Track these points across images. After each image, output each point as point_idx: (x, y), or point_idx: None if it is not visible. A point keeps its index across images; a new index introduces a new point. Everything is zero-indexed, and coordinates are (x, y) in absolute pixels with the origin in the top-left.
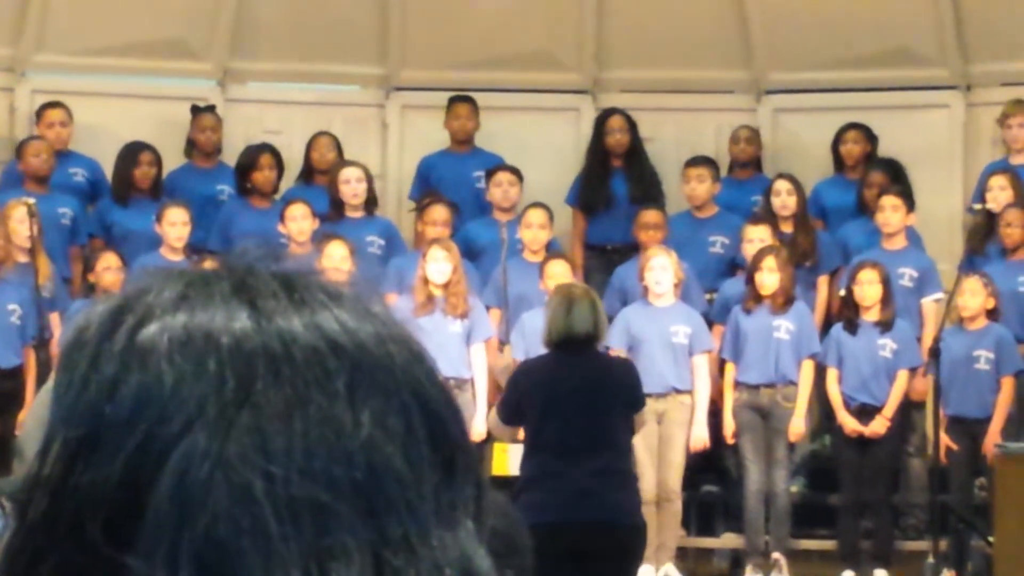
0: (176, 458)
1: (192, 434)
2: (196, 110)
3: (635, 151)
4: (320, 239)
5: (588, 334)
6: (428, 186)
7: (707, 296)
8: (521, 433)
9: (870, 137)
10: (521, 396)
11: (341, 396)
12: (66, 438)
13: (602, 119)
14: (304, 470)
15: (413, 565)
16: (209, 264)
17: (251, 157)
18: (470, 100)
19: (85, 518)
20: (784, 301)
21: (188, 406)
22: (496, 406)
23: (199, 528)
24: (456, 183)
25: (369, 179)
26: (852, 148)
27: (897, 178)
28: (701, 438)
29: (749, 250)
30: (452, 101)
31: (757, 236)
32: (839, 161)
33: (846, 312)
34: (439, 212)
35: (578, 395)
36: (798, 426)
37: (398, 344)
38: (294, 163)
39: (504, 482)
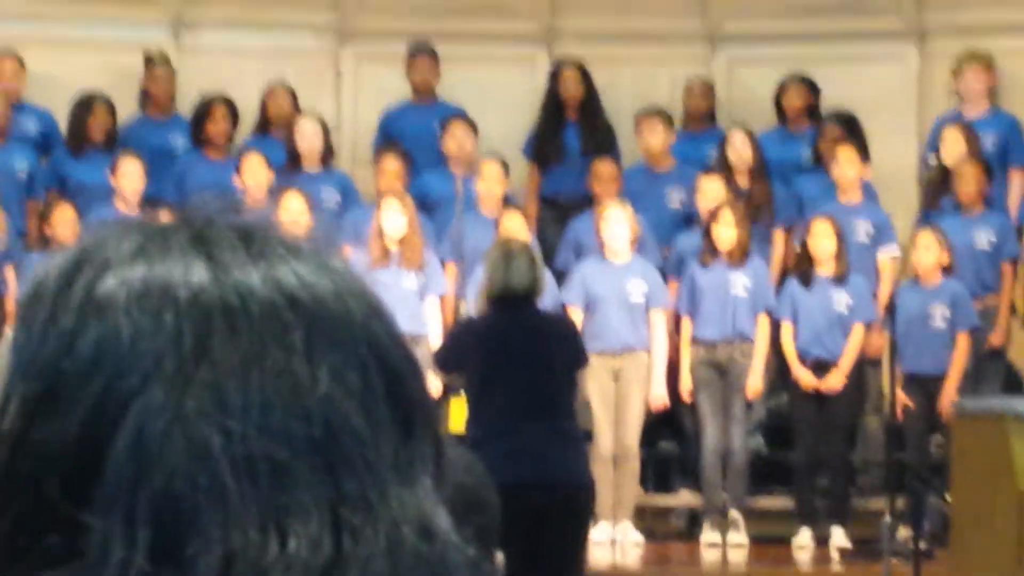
0: (133, 413)
1: (150, 389)
2: (149, 61)
3: (589, 103)
4: (277, 192)
5: (527, 289)
6: (390, 139)
7: (664, 251)
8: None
9: (813, 89)
10: (461, 352)
11: (298, 351)
12: (24, 393)
13: (556, 71)
14: (261, 426)
15: (371, 523)
16: (166, 216)
17: (205, 108)
18: (431, 51)
19: (43, 473)
20: (741, 255)
21: (145, 360)
22: (434, 354)
23: (156, 484)
24: (418, 135)
25: (326, 131)
26: (794, 101)
27: (852, 131)
28: (660, 396)
29: (703, 202)
30: (413, 52)
31: (711, 187)
32: (782, 114)
33: (801, 265)
34: (391, 163)
35: (521, 354)
36: (755, 383)
37: (356, 299)
38: (249, 114)
39: (461, 439)
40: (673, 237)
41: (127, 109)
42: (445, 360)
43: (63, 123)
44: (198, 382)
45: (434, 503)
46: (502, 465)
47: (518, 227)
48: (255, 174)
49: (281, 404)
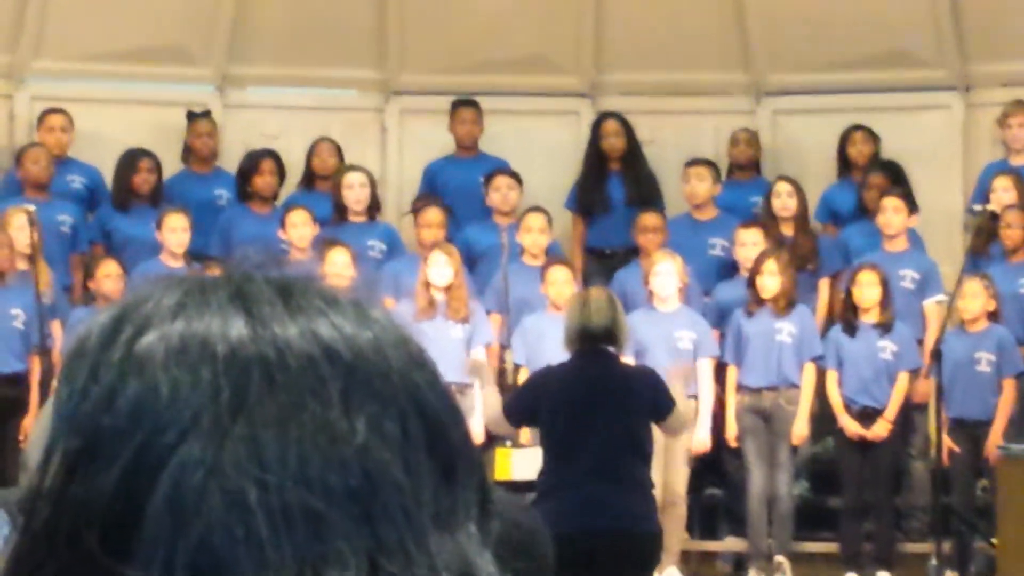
0: (171, 467)
1: (187, 443)
2: (192, 116)
3: (632, 154)
4: (321, 245)
5: (606, 329)
6: (434, 191)
7: (704, 299)
8: (523, 436)
9: (875, 138)
10: (535, 399)
11: (336, 403)
12: (65, 448)
13: (598, 123)
14: (298, 478)
15: (409, 570)
16: (211, 271)
17: (253, 162)
18: (475, 104)
19: (82, 527)
20: (786, 304)
21: (184, 415)
22: (504, 404)
23: (193, 537)
24: (462, 188)
25: (372, 184)
26: (862, 149)
27: (897, 180)
28: (703, 441)
29: (742, 253)
30: (456, 105)
31: (750, 239)
32: (845, 163)
33: (845, 314)
34: (434, 215)
35: (598, 401)
36: (801, 429)
37: (397, 349)
38: (292, 168)
39: (506, 486)
40: (714, 286)
41: (172, 166)
42: (517, 413)
43: (109, 179)
44: (235, 436)
45: (478, 549)
46: (568, 512)
47: (565, 279)
48: (299, 228)
49: (318, 455)
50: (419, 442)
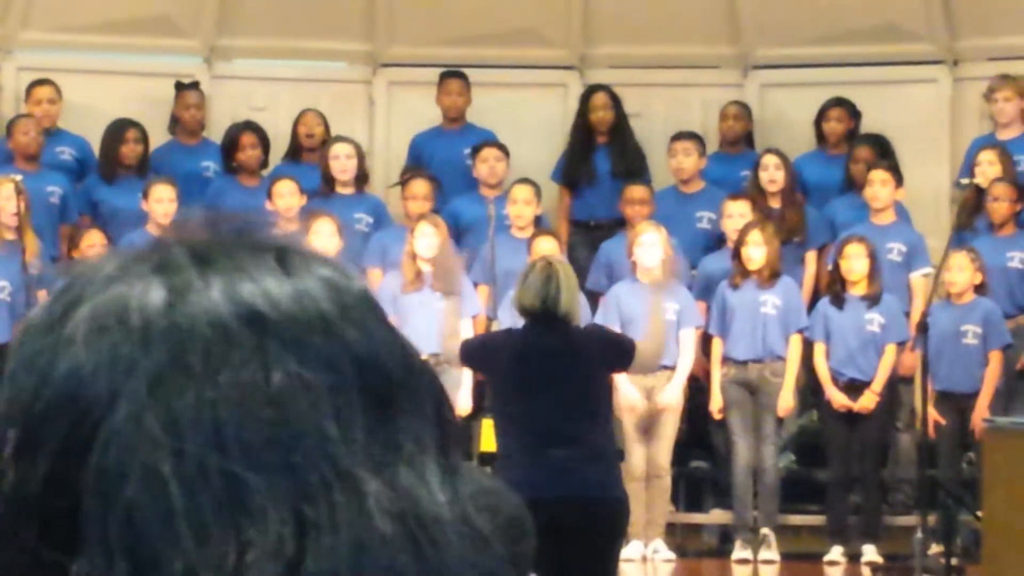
0: (96, 447)
1: (108, 421)
2: (180, 87)
3: (619, 127)
4: (307, 216)
5: (534, 307)
6: (420, 163)
7: (691, 273)
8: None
9: (853, 114)
10: (484, 357)
11: (251, 360)
12: (3, 439)
13: (586, 96)
14: (212, 441)
15: (337, 514)
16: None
17: (233, 136)
18: (462, 76)
19: (21, 520)
20: (770, 275)
21: (105, 392)
22: (461, 344)
23: (120, 516)
24: (448, 160)
25: (360, 156)
26: (835, 126)
27: (884, 153)
28: (674, 399)
29: (729, 225)
30: (443, 77)
31: (737, 211)
32: (821, 137)
33: (833, 287)
34: (420, 186)
35: (552, 367)
36: (786, 401)
37: (327, 294)
38: (281, 139)
39: (492, 458)
40: (701, 258)
41: (160, 136)
42: (470, 353)
43: (97, 150)
44: (151, 408)
45: (422, 484)
46: (528, 480)
47: (552, 249)
48: (286, 198)
49: (233, 415)
50: (349, 383)
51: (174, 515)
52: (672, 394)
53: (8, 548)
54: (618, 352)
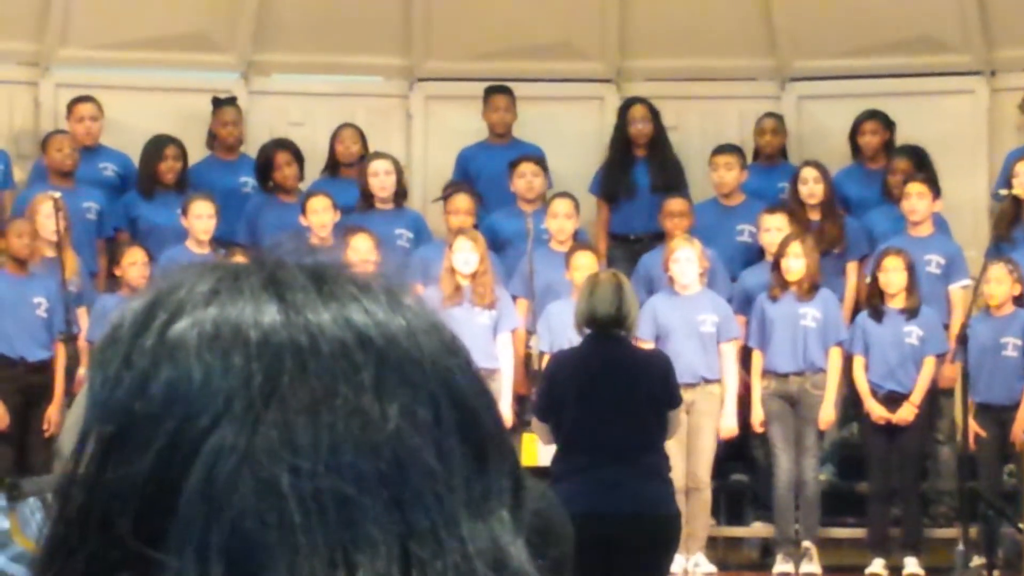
0: (204, 453)
1: (220, 429)
2: (217, 103)
3: (658, 140)
4: (344, 232)
5: (611, 315)
6: (467, 177)
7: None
8: None
9: (887, 125)
10: (553, 387)
11: (368, 389)
12: (99, 434)
13: (624, 108)
14: (330, 464)
15: (440, 556)
16: (240, 258)
17: (267, 155)
18: (508, 91)
19: (115, 513)
20: (810, 288)
21: (216, 401)
22: (532, 405)
23: (226, 522)
24: (494, 175)
25: (398, 171)
26: (870, 139)
27: (922, 165)
28: (730, 427)
29: (767, 239)
30: (489, 92)
31: (774, 225)
32: (856, 149)
33: (872, 300)
34: (462, 201)
35: (609, 389)
36: (828, 414)
37: (428, 336)
38: (319, 155)
39: (534, 472)
40: (740, 272)
41: (199, 154)
42: (544, 405)
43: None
44: (267, 422)
45: (512, 536)
46: (582, 494)
47: (590, 264)
48: (320, 215)
49: (350, 441)
50: (451, 428)
51: (292, 530)
52: (730, 422)
53: (98, 536)
54: (669, 400)
